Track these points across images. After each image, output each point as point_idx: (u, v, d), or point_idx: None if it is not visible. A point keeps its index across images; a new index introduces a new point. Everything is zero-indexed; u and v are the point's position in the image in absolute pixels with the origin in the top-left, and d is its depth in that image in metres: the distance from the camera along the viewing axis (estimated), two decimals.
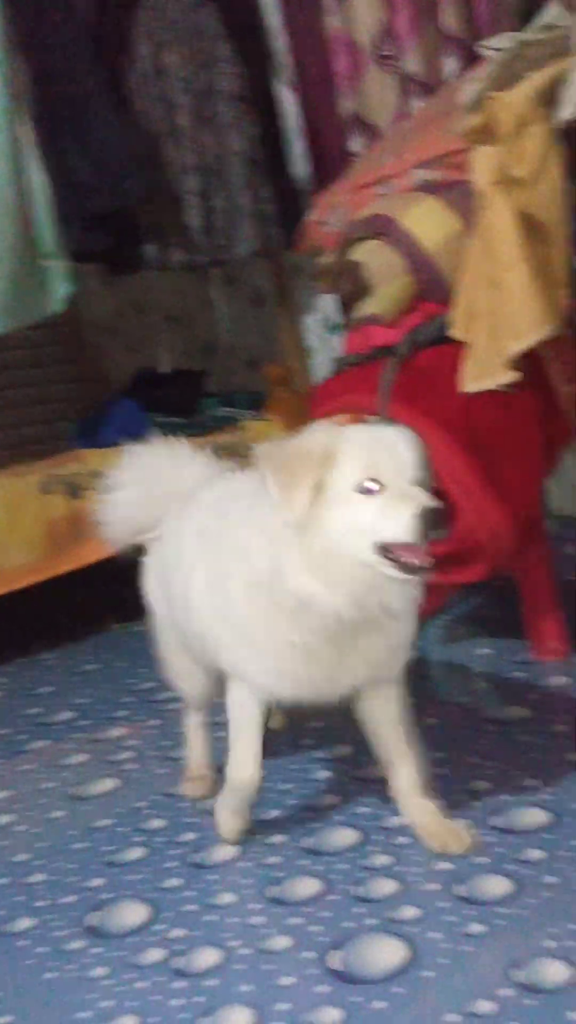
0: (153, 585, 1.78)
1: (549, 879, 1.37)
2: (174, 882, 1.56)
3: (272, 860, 1.57)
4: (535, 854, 1.43)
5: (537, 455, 1.99)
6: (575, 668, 2.08)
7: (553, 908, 1.30)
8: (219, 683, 1.64)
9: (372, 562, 1.30)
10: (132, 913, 1.49)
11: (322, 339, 3.42)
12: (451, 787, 1.64)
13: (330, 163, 2.98)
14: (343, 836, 1.59)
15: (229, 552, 1.44)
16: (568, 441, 2.10)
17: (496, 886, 1.38)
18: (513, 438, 1.96)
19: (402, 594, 1.35)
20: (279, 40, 3.12)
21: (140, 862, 1.64)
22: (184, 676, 1.78)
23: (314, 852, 1.57)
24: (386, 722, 1.53)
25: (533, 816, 1.53)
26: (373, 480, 1.28)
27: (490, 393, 1.91)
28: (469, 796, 1.62)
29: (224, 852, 1.62)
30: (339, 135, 2.97)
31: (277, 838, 1.63)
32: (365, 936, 1.33)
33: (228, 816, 1.59)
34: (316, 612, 1.33)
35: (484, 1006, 1.16)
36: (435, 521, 1.25)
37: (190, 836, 1.70)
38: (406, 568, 1.29)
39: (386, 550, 1.29)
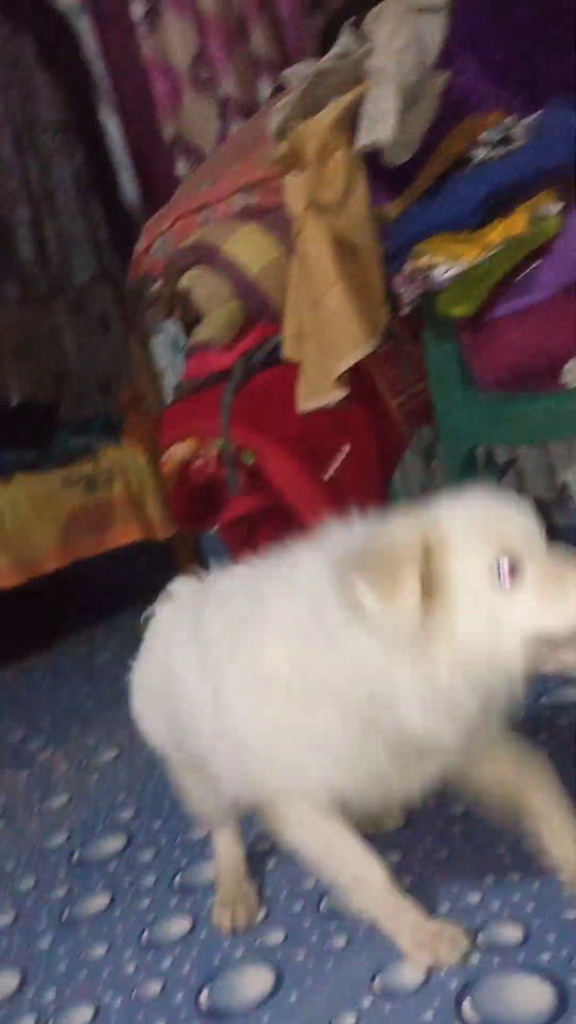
0: (149, 696, 1.43)
1: (406, 879, 1.41)
2: (45, 942, 1.53)
3: (144, 904, 1.56)
4: (393, 857, 1.47)
5: (373, 465, 2.05)
6: None
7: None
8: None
9: (532, 666, 0.98)
10: (3, 982, 1.46)
11: (171, 360, 3.42)
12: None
13: (159, 186, 2.99)
14: (212, 869, 1.60)
15: (289, 650, 1.10)
16: (401, 449, 2.18)
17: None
18: (350, 451, 2.02)
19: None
20: (97, 66, 3.11)
21: (9, 927, 1.60)
22: (203, 792, 1.42)
23: (186, 889, 1.56)
24: (510, 782, 1.21)
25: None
26: (508, 558, 0.95)
27: (325, 409, 1.96)
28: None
29: (96, 903, 1.60)
30: (165, 159, 2.98)
31: (150, 879, 1.62)
32: (234, 968, 1.34)
33: (427, 938, 1.19)
34: (425, 742, 1.04)
35: (347, 1019, 1.18)
36: None
37: (62, 892, 1.67)
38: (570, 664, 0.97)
39: (553, 646, 0.97)
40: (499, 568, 0.94)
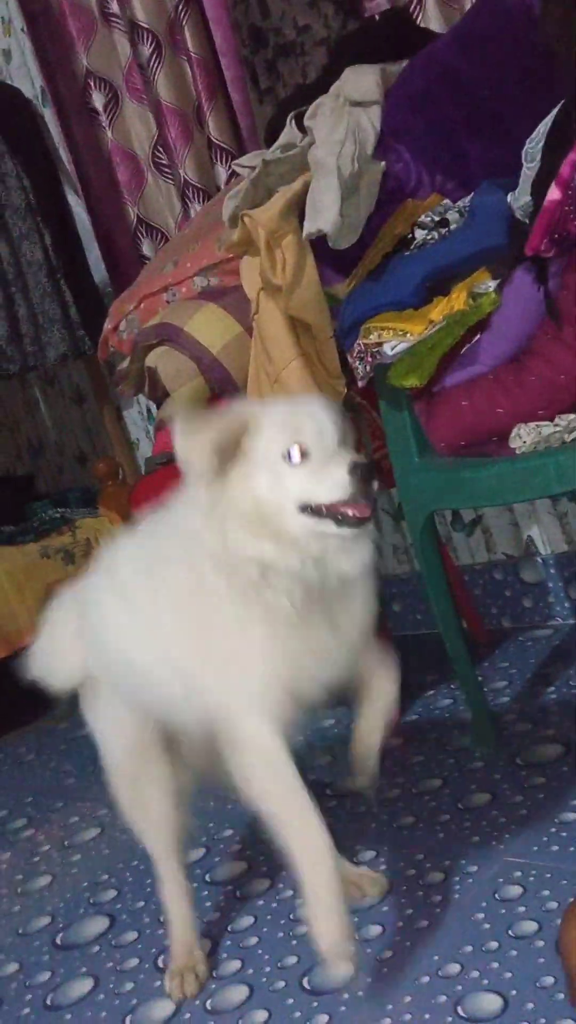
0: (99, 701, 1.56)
1: (386, 953, 1.43)
2: None
3: (127, 987, 1.56)
4: (374, 930, 1.49)
5: None
6: (407, 729, 2.17)
7: (389, 983, 1.35)
8: (188, 815, 1.52)
9: (304, 523, 1.24)
10: None
11: (145, 431, 3.49)
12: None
13: (125, 266, 3.09)
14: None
15: (176, 559, 1.33)
16: None
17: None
18: None
19: (352, 558, 1.27)
20: (61, 153, 3.23)
21: None
22: (146, 801, 1.53)
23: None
24: (363, 682, 1.42)
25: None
26: (299, 446, 1.24)
27: None
28: None
29: (80, 987, 1.61)
30: (130, 239, 3.08)
31: (133, 961, 1.63)
32: None
33: (333, 927, 1.21)
34: (279, 574, 1.26)
35: None
36: (369, 473, 1.23)
37: (45, 976, 1.67)
38: (347, 519, 1.22)
39: (318, 511, 1.24)
40: (289, 452, 1.25)
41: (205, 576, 1.30)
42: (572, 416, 1.54)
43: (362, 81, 1.74)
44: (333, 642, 1.32)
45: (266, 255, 1.83)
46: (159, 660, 1.39)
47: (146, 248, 3.04)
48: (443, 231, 1.66)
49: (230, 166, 2.55)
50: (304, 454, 1.24)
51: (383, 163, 1.72)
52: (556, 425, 1.56)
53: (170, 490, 2.24)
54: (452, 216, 1.66)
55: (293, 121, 1.88)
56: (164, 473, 2.32)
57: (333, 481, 1.22)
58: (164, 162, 2.93)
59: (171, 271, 2.37)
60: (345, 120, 1.71)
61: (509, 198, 1.54)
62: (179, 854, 1.56)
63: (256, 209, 1.86)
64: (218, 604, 1.29)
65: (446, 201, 1.71)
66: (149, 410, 3.42)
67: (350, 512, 1.23)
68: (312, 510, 1.24)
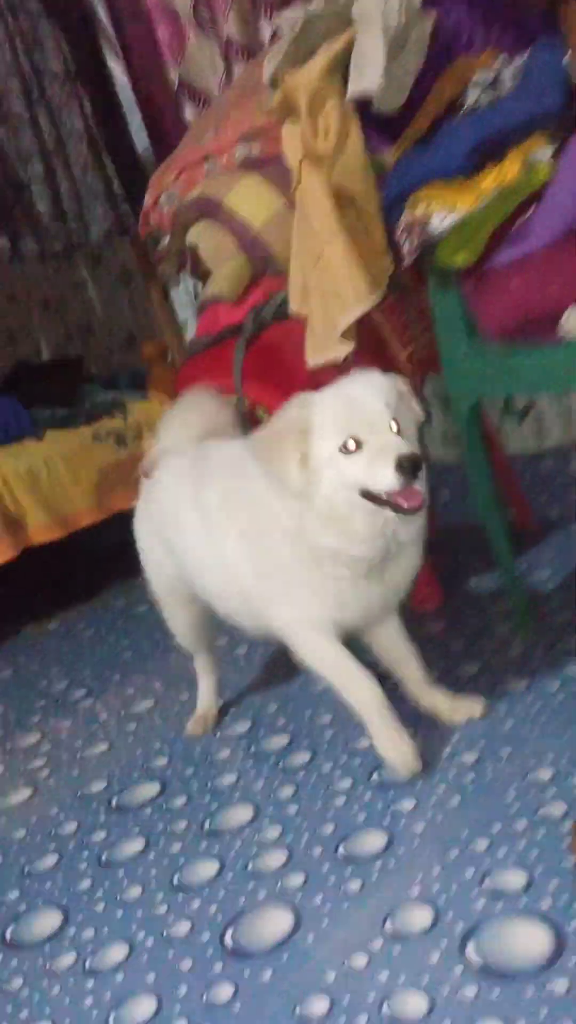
0: (153, 546, 1.92)
1: (418, 826, 1.48)
2: (85, 884, 1.63)
3: (175, 848, 1.65)
4: (407, 804, 1.54)
5: None
6: (449, 614, 2.18)
7: (420, 855, 1.40)
8: (213, 628, 1.97)
9: (370, 510, 1.45)
10: (46, 921, 1.57)
11: (193, 311, 3.42)
12: (336, 745, 1.75)
13: (167, 133, 2.95)
14: (240, 814, 1.68)
15: (262, 512, 1.57)
16: None
17: (373, 841, 1.47)
18: None
19: (408, 526, 1.49)
20: (101, 13, 3.05)
21: (53, 869, 1.71)
22: (188, 628, 1.98)
23: (214, 833, 1.65)
24: (393, 639, 1.72)
25: None
26: (353, 439, 1.42)
27: (334, 363, 1.96)
28: (350, 756, 1.72)
29: (132, 846, 1.70)
30: (172, 104, 2.93)
31: (181, 824, 1.72)
32: (256, 910, 1.43)
33: (394, 743, 1.59)
34: (344, 559, 1.50)
35: (359, 960, 1.26)
36: (415, 465, 1.38)
37: (101, 836, 1.77)
38: (401, 510, 1.43)
39: (379, 498, 1.43)
40: (346, 445, 1.43)
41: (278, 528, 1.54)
42: None
43: None
44: (383, 591, 1.58)
45: (307, 120, 1.72)
46: (226, 578, 1.70)
47: (189, 113, 2.89)
48: (496, 93, 1.52)
49: (275, 23, 2.37)
50: (358, 444, 1.42)
51: (433, 15, 1.58)
52: None
53: (212, 375, 2.21)
54: (507, 75, 1.52)
55: None
56: (208, 355, 2.28)
57: (383, 475, 1.39)
58: (206, 18, 2.74)
59: (211, 139, 2.25)
60: None
61: (567, 58, 1.40)
62: (205, 649, 2.03)
63: (297, 70, 1.73)
64: (287, 549, 1.54)
65: (502, 56, 1.56)
66: (196, 290, 3.33)
67: (404, 504, 1.42)
68: (372, 496, 1.43)
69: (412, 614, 1.81)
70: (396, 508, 1.43)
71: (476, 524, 1.97)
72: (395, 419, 1.44)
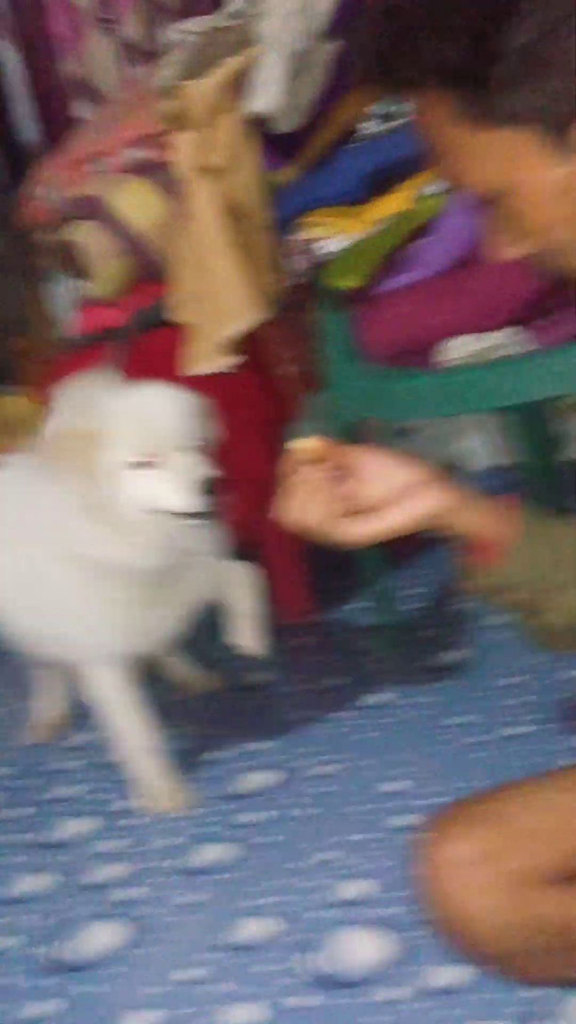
0: None
1: (266, 838, 1.48)
2: None
3: (16, 859, 1.58)
4: (256, 816, 1.53)
5: (261, 431, 2.06)
6: (319, 629, 2.20)
7: (266, 867, 1.41)
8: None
9: (156, 519, 1.37)
10: None
11: (70, 308, 3.33)
12: (187, 759, 1.72)
13: (58, 127, 2.87)
14: (81, 825, 1.63)
15: (35, 533, 1.48)
16: (290, 416, 2.18)
17: (219, 853, 1.47)
18: (237, 416, 2.01)
19: (196, 533, 1.42)
20: None
21: None
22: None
23: (52, 845, 1.59)
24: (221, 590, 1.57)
25: (264, 778, 1.63)
26: (146, 454, 1.34)
27: (214, 374, 1.95)
28: (204, 766, 1.71)
29: None
30: (65, 99, 2.86)
31: (16, 836, 1.65)
32: (92, 922, 1.39)
33: (161, 785, 1.57)
34: (126, 570, 1.40)
35: (197, 972, 1.24)
36: (213, 484, 1.32)
37: None
38: (189, 516, 1.35)
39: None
40: (139, 459, 1.33)
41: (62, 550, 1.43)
42: (509, 331, 1.51)
43: None
44: (173, 608, 1.49)
45: (202, 132, 1.71)
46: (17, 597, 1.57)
47: (81, 109, 2.82)
48: (392, 125, 1.57)
49: (176, 29, 2.36)
50: (152, 458, 1.33)
51: (336, 44, 1.61)
52: (489, 340, 1.53)
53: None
54: (403, 108, 1.57)
55: None
56: (84, 354, 2.22)
57: (179, 496, 1.33)
58: (107, 17, 2.69)
59: (102, 138, 2.20)
60: None
61: None
62: None
63: (195, 81, 1.73)
64: (61, 570, 1.44)
65: None
66: (76, 287, 3.25)
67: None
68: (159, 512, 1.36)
69: (282, 625, 1.82)
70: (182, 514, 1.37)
71: None
72: (191, 436, 1.37)
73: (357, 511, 0.86)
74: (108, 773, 1.75)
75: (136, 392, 1.42)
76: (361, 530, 0.86)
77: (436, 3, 0.73)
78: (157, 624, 1.50)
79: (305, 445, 0.86)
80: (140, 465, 1.33)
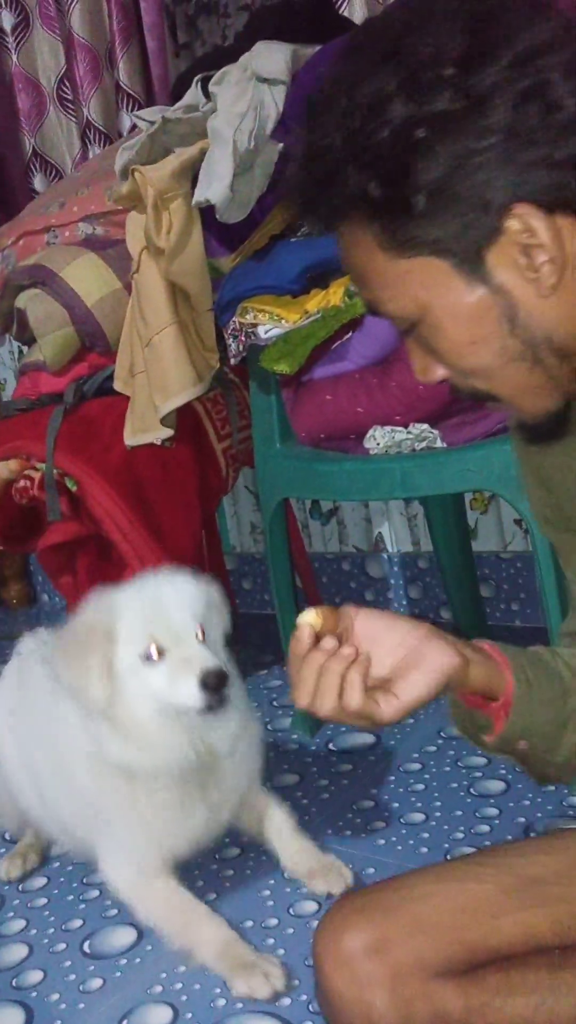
0: None
1: None
2: None
3: None
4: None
5: (194, 503, 2.09)
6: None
7: (167, 953, 1.37)
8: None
9: (171, 715, 1.31)
10: None
11: (13, 371, 3.36)
12: None
13: (13, 197, 2.95)
14: None
15: (60, 730, 1.43)
16: (223, 490, 2.23)
17: (121, 938, 1.43)
18: (171, 488, 2.05)
19: (219, 731, 1.35)
20: None
21: None
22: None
23: None
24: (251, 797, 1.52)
25: None
26: (156, 647, 1.29)
27: (151, 445, 1.99)
28: None
29: None
30: (23, 170, 2.94)
31: None
32: None
33: (249, 978, 1.28)
34: (153, 775, 1.33)
35: None
36: (221, 680, 1.26)
37: None
38: (204, 711, 1.28)
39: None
40: (149, 652, 1.29)
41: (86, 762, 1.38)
42: (425, 426, 1.59)
43: (272, 58, 1.71)
44: (207, 811, 1.39)
45: (153, 215, 1.79)
46: (46, 799, 1.51)
47: (38, 182, 2.91)
48: None
49: (134, 115, 2.47)
50: (161, 651, 1.29)
51: (281, 144, 1.71)
52: (409, 432, 1.60)
53: (24, 439, 2.18)
54: None
55: (199, 84, 1.83)
56: (23, 419, 2.25)
57: (185, 690, 1.26)
58: (68, 97, 2.81)
59: (56, 212, 2.28)
60: (249, 94, 1.68)
61: None
62: None
63: (149, 166, 1.81)
64: (90, 777, 1.38)
65: None
66: (21, 351, 3.29)
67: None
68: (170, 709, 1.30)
69: None
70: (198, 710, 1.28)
71: (271, 616, 2.03)
72: (201, 627, 1.31)
73: (373, 685, 0.85)
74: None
75: (145, 581, 1.38)
76: (388, 712, 0.85)
77: (355, 143, 0.77)
78: (194, 823, 1.39)
79: (307, 619, 0.88)
80: (150, 660, 1.29)
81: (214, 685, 1.25)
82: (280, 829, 1.49)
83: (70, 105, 2.82)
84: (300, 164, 0.83)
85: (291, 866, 1.47)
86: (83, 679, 1.30)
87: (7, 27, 2.83)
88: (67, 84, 2.79)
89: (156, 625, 1.29)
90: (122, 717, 1.31)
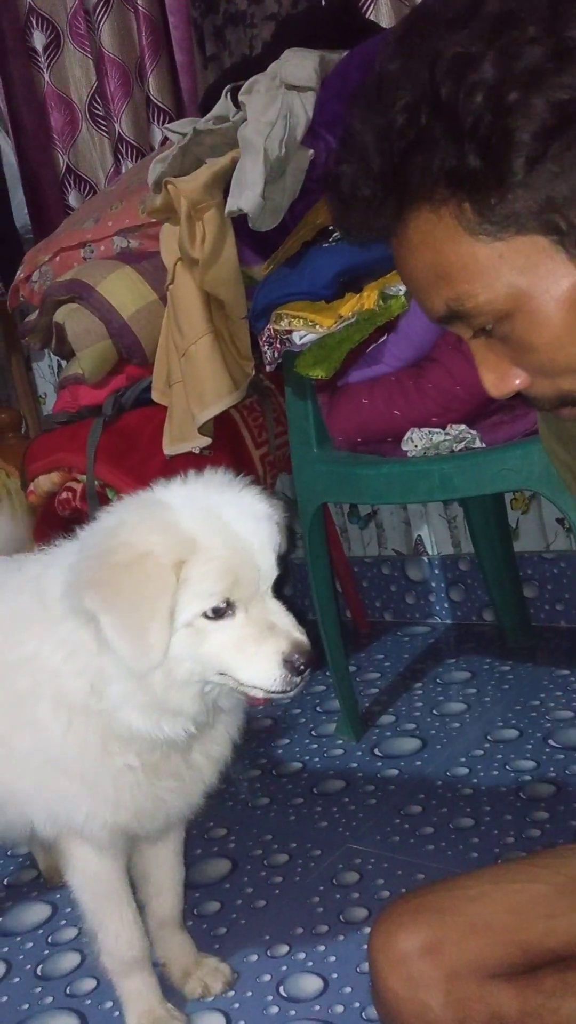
0: None
1: (221, 929, 1.45)
2: None
3: None
4: (213, 906, 1.51)
5: None
6: (277, 711, 2.20)
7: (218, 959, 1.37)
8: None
9: (203, 683, 1.06)
10: None
11: (54, 386, 3.41)
12: None
13: (49, 214, 3.00)
14: (35, 913, 1.60)
15: (26, 673, 1.12)
16: None
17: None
18: None
19: (233, 694, 1.12)
20: None
21: None
22: None
23: (3, 933, 1.56)
24: (163, 861, 1.32)
25: (217, 867, 1.62)
26: (226, 601, 1.01)
27: (189, 454, 2.01)
28: None
29: None
30: (57, 187, 2.99)
31: None
32: (42, 1015, 1.35)
33: (144, 1006, 1.22)
34: (144, 742, 1.09)
35: None
36: (309, 659, 1.01)
37: None
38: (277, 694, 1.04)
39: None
40: (216, 608, 1.01)
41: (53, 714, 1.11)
42: (463, 427, 1.58)
43: (301, 65, 1.72)
44: (184, 785, 1.17)
45: (186, 226, 1.80)
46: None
47: (72, 199, 2.96)
48: None
49: (165, 128, 2.49)
50: (230, 604, 1.01)
51: (311, 151, 1.72)
52: (447, 434, 1.59)
53: (65, 451, 2.21)
54: None
55: (228, 94, 1.85)
56: (64, 431, 2.28)
57: (265, 667, 1.01)
58: (100, 113, 2.85)
59: (92, 227, 2.31)
60: (279, 102, 1.69)
61: None
62: None
63: (181, 177, 1.83)
64: (61, 726, 1.11)
65: None
66: (60, 365, 3.34)
67: (256, 698, 1.06)
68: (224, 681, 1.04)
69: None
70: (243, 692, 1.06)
71: (313, 621, 2.03)
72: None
73: None
74: None
75: (213, 503, 1.06)
76: None
77: (446, 113, 0.71)
78: (165, 798, 1.16)
79: None
80: (215, 616, 1.01)
81: (299, 667, 1.00)
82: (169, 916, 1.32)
83: (102, 121, 2.85)
84: (366, 152, 0.76)
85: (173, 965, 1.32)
86: (140, 626, 0.99)
87: (39, 47, 2.89)
88: (99, 100, 2.83)
89: (236, 572, 1.00)
90: (156, 678, 1.02)
